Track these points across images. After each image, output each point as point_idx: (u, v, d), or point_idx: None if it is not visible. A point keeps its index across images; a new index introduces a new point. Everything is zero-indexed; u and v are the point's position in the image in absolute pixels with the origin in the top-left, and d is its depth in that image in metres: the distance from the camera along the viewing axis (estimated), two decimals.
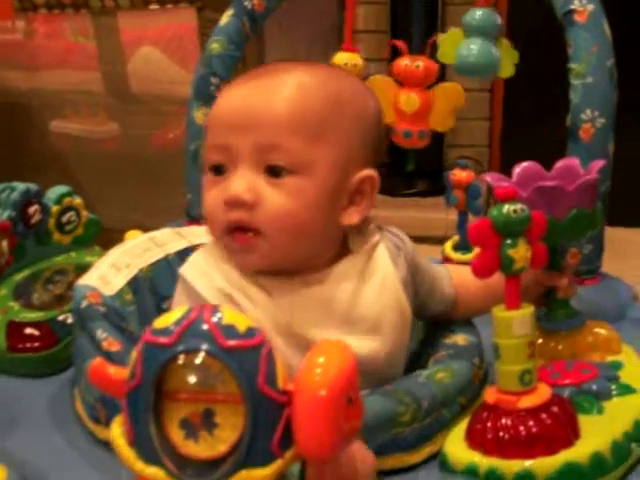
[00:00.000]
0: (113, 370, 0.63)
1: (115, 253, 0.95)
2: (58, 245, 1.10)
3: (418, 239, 0.91)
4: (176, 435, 0.61)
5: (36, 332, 0.94)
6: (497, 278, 0.76)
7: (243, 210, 0.77)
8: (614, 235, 1.12)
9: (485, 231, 0.68)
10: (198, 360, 0.59)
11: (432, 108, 1.15)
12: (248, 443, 0.59)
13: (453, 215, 1.20)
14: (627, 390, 0.77)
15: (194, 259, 0.84)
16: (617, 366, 0.81)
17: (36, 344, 0.93)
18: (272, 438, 0.59)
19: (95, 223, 1.13)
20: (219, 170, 0.80)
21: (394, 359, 0.83)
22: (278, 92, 0.79)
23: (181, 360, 0.60)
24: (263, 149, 0.77)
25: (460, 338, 0.86)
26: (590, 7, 0.98)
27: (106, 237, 1.14)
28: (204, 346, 0.59)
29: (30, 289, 1.05)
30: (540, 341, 0.85)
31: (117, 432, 0.63)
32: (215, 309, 0.61)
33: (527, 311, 0.70)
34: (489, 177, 0.83)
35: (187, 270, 0.83)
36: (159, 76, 2.01)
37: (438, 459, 0.74)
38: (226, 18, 1.19)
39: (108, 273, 0.91)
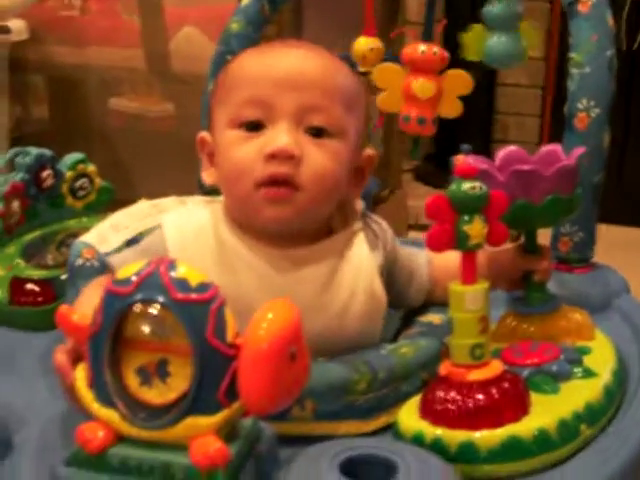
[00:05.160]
0: (77, 316, 0.67)
1: (117, 215, 1.00)
2: (71, 209, 1.15)
3: None
4: (132, 381, 0.65)
5: (36, 288, 0.99)
6: (480, 264, 0.79)
7: (289, 164, 0.79)
8: None
9: (442, 206, 0.70)
10: (152, 310, 0.63)
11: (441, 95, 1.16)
12: (195, 392, 0.62)
13: None
14: (588, 374, 0.78)
15: (185, 213, 0.87)
16: (584, 351, 0.82)
17: (36, 299, 0.98)
18: (218, 388, 0.63)
19: (108, 190, 1.18)
20: (254, 126, 0.81)
21: (362, 342, 0.84)
22: (320, 61, 0.83)
23: (137, 309, 0.64)
24: (307, 109, 0.81)
25: (436, 317, 0.88)
26: None
27: None
28: (158, 297, 0.63)
29: (43, 250, 1.10)
30: (514, 324, 0.87)
31: (80, 375, 0.68)
32: (172, 263, 0.64)
33: (480, 287, 0.72)
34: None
35: (169, 216, 0.87)
36: (200, 56, 2.05)
37: (392, 427, 0.76)
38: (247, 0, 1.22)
39: (107, 232, 0.96)
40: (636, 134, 2.72)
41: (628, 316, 0.95)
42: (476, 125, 2.83)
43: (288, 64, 0.83)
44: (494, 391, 0.71)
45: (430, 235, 0.70)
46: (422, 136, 1.11)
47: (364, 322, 0.84)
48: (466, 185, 0.70)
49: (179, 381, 0.64)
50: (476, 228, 0.71)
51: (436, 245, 0.71)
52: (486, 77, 2.92)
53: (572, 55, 0.98)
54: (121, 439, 0.65)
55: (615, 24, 1.00)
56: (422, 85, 1.08)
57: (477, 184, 0.70)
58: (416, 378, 0.79)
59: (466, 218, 0.71)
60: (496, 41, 1.08)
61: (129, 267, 0.65)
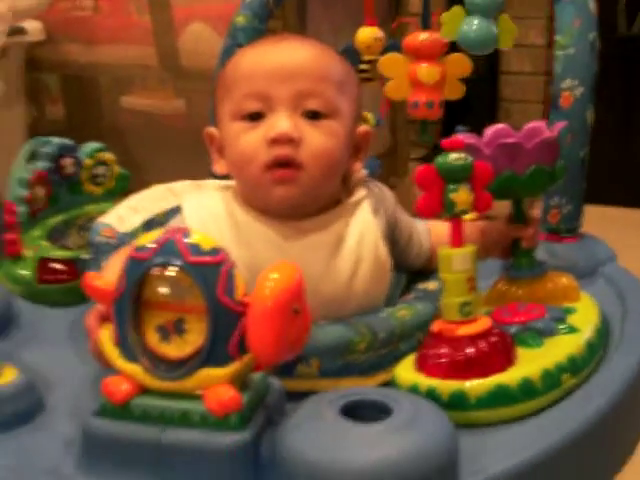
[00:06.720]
0: (101, 282, 0.74)
1: (135, 198, 1.07)
2: (90, 195, 1.22)
3: None
4: (152, 338, 0.72)
5: (61, 267, 1.07)
6: (474, 235, 0.86)
7: (290, 146, 0.88)
8: None
9: (430, 176, 0.77)
10: (169, 273, 0.70)
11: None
12: (209, 346, 0.70)
13: None
14: (572, 330, 0.85)
15: (201, 197, 0.94)
16: (569, 311, 0.88)
17: (61, 277, 1.06)
18: (229, 342, 0.70)
19: (125, 177, 1.25)
20: (255, 116, 0.90)
21: (369, 305, 0.91)
22: (310, 50, 0.92)
23: (156, 272, 0.71)
24: (302, 96, 0.89)
25: (431, 284, 0.95)
26: None
27: None
28: (175, 261, 0.70)
29: (66, 234, 1.17)
30: (504, 288, 0.93)
31: (105, 334, 0.75)
32: (186, 231, 0.72)
33: (467, 250, 0.78)
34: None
35: (188, 201, 0.94)
36: (209, 52, 2.12)
37: (390, 381, 0.82)
38: None
39: (125, 214, 1.03)
40: (638, 117, 2.77)
41: (613, 281, 1.01)
42: (481, 113, 2.89)
43: (280, 57, 0.91)
44: (482, 344, 0.78)
45: (419, 203, 0.77)
46: (430, 120, 1.17)
47: (371, 286, 0.91)
48: (452, 156, 0.77)
49: (195, 336, 0.71)
50: (462, 196, 0.77)
51: (425, 211, 0.77)
52: (490, 65, 2.98)
53: (557, 38, 1.05)
54: (143, 392, 0.72)
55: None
56: (427, 71, 1.14)
57: (462, 155, 0.77)
58: (413, 338, 0.86)
59: (452, 187, 0.77)
60: (471, 25, 1.08)
61: (148, 235, 0.72)
